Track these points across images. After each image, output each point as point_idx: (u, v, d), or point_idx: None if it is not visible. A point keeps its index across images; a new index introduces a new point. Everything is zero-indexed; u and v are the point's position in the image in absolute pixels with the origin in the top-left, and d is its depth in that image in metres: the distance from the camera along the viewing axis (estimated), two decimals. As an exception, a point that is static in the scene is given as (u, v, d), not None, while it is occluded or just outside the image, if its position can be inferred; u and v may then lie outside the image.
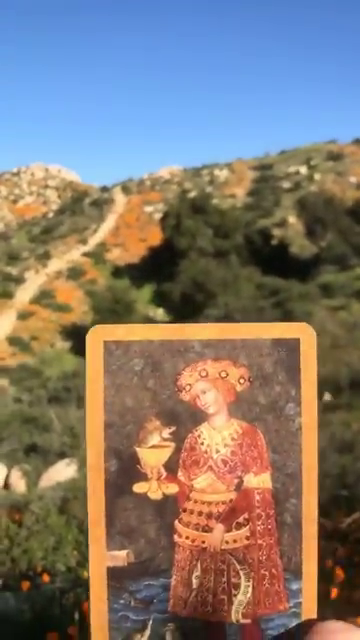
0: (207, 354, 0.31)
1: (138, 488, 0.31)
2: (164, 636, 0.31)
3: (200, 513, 0.31)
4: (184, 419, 0.31)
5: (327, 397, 7.82)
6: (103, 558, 0.31)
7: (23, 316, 27.99)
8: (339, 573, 2.29)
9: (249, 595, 0.31)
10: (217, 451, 0.31)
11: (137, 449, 0.31)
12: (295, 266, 23.82)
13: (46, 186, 55.98)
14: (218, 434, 0.31)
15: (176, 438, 0.31)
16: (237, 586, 0.31)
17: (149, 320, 23.23)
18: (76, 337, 24.27)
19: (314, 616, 0.32)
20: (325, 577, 2.20)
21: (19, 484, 9.59)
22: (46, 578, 3.62)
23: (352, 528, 3.01)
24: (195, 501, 0.31)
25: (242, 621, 0.31)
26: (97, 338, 0.31)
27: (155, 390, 0.31)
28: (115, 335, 0.31)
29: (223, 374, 0.31)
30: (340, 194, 33.03)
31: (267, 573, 0.31)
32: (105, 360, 0.31)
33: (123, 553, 0.31)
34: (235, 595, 0.31)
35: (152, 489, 0.31)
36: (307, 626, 0.30)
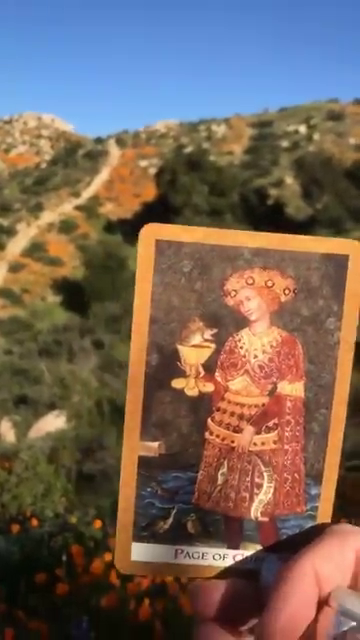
0: (256, 262, 0.32)
1: (176, 383, 0.32)
2: (185, 525, 0.32)
3: (232, 414, 0.32)
4: (226, 323, 0.32)
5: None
6: (135, 447, 0.32)
7: (14, 268, 27.77)
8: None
9: (270, 495, 0.32)
10: (255, 356, 0.32)
11: (179, 346, 0.31)
12: (290, 227, 23.66)
13: (39, 136, 54.62)
14: (258, 340, 0.32)
15: (217, 340, 0.32)
16: (260, 486, 0.32)
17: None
18: (67, 291, 24.17)
19: (329, 520, 0.33)
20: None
21: (9, 434, 9.71)
22: (35, 523, 3.70)
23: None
24: (229, 402, 0.32)
25: (260, 519, 0.32)
26: (150, 236, 0.31)
27: (201, 292, 0.31)
28: (168, 235, 0.31)
29: (269, 283, 0.32)
30: (339, 155, 32.54)
31: (289, 477, 0.32)
32: (156, 258, 0.31)
33: (155, 444, 0.32)
34: (257, 494, 0.32)
35: (189, 386, 0.32)
36: (321, 527, 0.31)
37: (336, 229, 23.02)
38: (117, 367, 10.86)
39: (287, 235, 0.32)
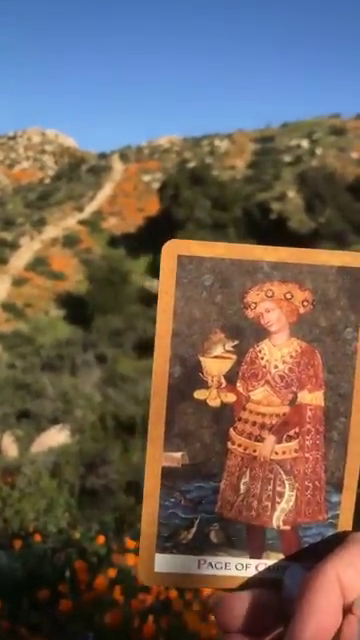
0: (275, 276, 0.33)
1: (198, 395, 0.32)
2: (208, 535, 0.33)
3: (254, 423, 0.33)
4: (247, 334, 0.33)
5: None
6: (159, 458, 0.32)
7: (17, 282, 27.86)
8: None
9: (292, 504, 0.33)
10: (275, 367, 0.33)
11: (201, 358, 0.32)
12: (293, 241, 23.73)
13: (43, 151, 55.11)
14: (278, 351, 0.33)
15: (238, 351, 0.32)
16: (281, 495, 0.33)
17: (144, 291, 23.17)
18: (70, 305, 24.20)
19: (350, 528, 0.33)
20: None
21: (11, 448, 9.67)
22: (38, 538, 3.68)
23: None
24: (250, 411, 0.33)
25: (282, 527, 0.33)
26: (172, 252, 0.32)
27: (222, 305, 0.32)
28: (189, 250, 0.32)
29: (288, 296, 0.33)
30: (341, 170, 32.72)
31: (311, 485, 0.33)
32: (178, 273, 0.32)
33: (178, 455, 0.32)
34: (278, 503, 0.33)
35: (211, 396, 0.32)
36: (343, 535, 0.32)
37: (339, 243, 23.07)
38: (120, 381, 10.84)
39: (304, 249, 0.33)
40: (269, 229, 26.04)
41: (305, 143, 41.84)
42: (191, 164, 37.09)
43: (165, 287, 0.32)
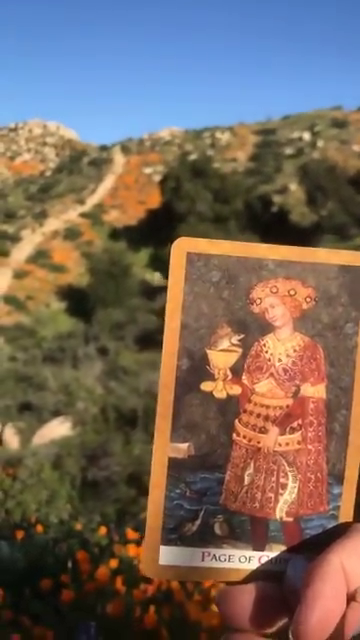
0: (279, 273, 0.34)
1: (205, 387, 0.33)
2: (213, 527, 0.33)
3: (259, 415, 0.33)
4: (252, 329, 0.34)
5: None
6: (165, 449, 0.33)
7: (19, 275, 27.84)
8: None
9: (294, 495, 0.33)
10: (279, 360, 0.34)
11: (208, 351, 0.33)
12: (294, 234, 23.67)
13: (44, 143, 54.91)
14: (282, 345, 0.34)
15: (244, 345, 0.33)
16: (284, 486, 0.33)
17: (145, 284, 23.15)
18: (72, 298, 24.20)
19: (350, 519, 0.33)
20: None
21: (13, 441, 9.71)
22: (40, 529, 3.70)
23: None
24: (255, 403, 0.33)
25: (285, 519, 0.33)
26: (181, 249, 0.34)
27: (229, 300, 0.33)
28: (198, 248, 0.34)
29: (292, 292, 0.34)
30: (343, 163, 32.58)
31: (313, 476, 0.33)
32: (186, 269, 0.33)
33: (184, 446, 0.33)
34: (282, 494, 0.33)
35: (218, 388, 0.33)
36: (344, 527, 0.32)
37: (340, 236, 23.01)
38: (122, 374, 10.86)
39: (307, 248, 0.34)
40: (270, 222, 25.97)
41: (307, 136, 41.64)
42: (192, 156, 36.94)
43: (174, 282, 0.33)
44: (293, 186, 32.04)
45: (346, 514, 0.34)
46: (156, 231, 27.06)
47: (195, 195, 26.77)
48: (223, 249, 0.34)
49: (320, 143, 39.74)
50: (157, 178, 36.14)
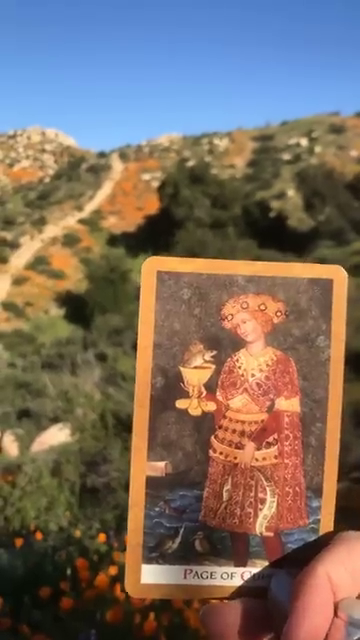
0: (249, 288, 0.34)
1: (180, 404, 0.33)
2: (193, 544, 0.33)
3: (234, 431, 0.33)
4: (225, 345, 0.34)
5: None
6: (143, 468, 0.33)
7: (18, 281, 27.85)
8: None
9: (273, 510, 0.33)
10: (253, 375, 0.34)
11: (181, 368, 0.33)
12: (292, 239, 23.70)
13: (43, 150, 55.03)
14: (255, 360, 0.34)
15: (217, 361, 0.34)
16: (263, 501, 0.33)
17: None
18: (70, 304, 24.20)
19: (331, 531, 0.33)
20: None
21: (12, 447, 9.68)
22: (39, 536, 3.69)
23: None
24: (230, 419, 0.33)
25: (265, 534, 0.33)
26: (152, 268, 0.34)
27: (200, 317, 0.34)
28: (168, 266, 0.34)
29: (262, 307, 0.34)
30: (340, 168, 32.68)
31: (291, 490, 0.33)
32: (157, 288, 0.33)
33: (162, 464, 0.33)
34: (261, 509, 0.33)
35: (192, 406, 0.33)
36: (325, 539, 0.32)
37: (338, 241, 23.05)
38: (120, 380, 10.85)
39: (276, 263, 0.35)
40: (268, 227, 26.01)
41: (304, 141, 41.78)
42: (190, 163, 37.02)
43: (146, 301, 0.33)
44: (291, 192, 32.12)
45: (326, 527, 0.34)
46: (154, 237, 27.08)
47: (193, 201, 26.81)
48: (193, 267, 0.34)
49: (318, 149, 39.86)
50: (155, 184, 36.20)
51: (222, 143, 45.84)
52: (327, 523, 0.34)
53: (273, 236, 23.52)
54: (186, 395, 0.33)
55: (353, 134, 41.35)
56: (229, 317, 0.34)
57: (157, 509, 0.33)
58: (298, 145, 41.40)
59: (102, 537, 3.45)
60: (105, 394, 10.41)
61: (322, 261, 20.40)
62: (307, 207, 28.48)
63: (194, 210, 26.45)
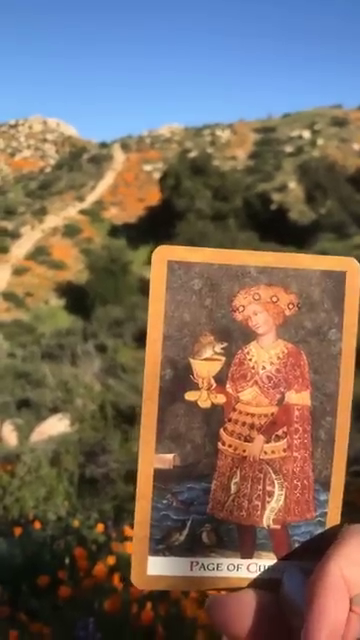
0: (261, 280, 0.33)
1: (189, 396, 0.33)
2: (200, 536, 0.33)
3: (243, 423, 0.33)
4: (236, 337, 0.33)
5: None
6: (151, 460, 0.32)
7: (18, 272, 27.82)
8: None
9: (281, 503, 0.33)
10: (263, 367, 0.33)
11: (191, 360, 0.33)
12: (293, 232, 23.65)
13: (44, 140, 54.79)
14: (265, 352, 0.33)
15: (227, 353, 0.33)
16: (271, 494, 0.33)
17: (144, 281, 23.12)
18: (71, 295, 24.18)
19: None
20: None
21: (11, 437, 9.71)
22: (37, 526, 3.71)
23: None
24: (240, 412, 0.33)
25: (272, 526, 0.33)
26: (162, 257, 0.33)
27: (211, 309, 0.33)
28: (178, 256, 0.33)
29: (274, 299, 0.33)
30: (342, 161, 32.55)
31: (299, 484, 0.33)
32: (168, 278, 0.33)
33: (170, 456, 0.32)
34: (268, 502, 0.33)
35: (202, 398, 0.33)
36: (332, 532, 0.32)
37: (339, 234, 22.99)
38: (120, 371, 10.86)
39: (289, 254, 0.34)
40: (270, 220, 25.94)
41: (306, 134, 41.58)
42: (192, 154, 36.87)
43: (156, 292, 0.33)
44: (292, 184, 32.01)
45: (333, 520, 0.34)
46: (155, 228, 27.01)
47: (194, 192, 26.73)
48: (204, 256, 0.33)
49: (320, 141, 39.69)
50: (157, 175, 36.08)
51: (224, 134, 45.63)
52: (334, 516, 0.34)
53: (274, 228, 23.47)
54: (195, 387, 0.33)
55: (355, 127, 41.15)
56: (240, 308, 0.33)
57: (165, 502, 0.33)
58: (300, 137, 41.21)
59: (100, 527, 3.47)
60: (105, 385, 10.42)
61: (324, 254, 20.24)
62: (308, 200, 28.39)
63: (195, 201, 26.37)
